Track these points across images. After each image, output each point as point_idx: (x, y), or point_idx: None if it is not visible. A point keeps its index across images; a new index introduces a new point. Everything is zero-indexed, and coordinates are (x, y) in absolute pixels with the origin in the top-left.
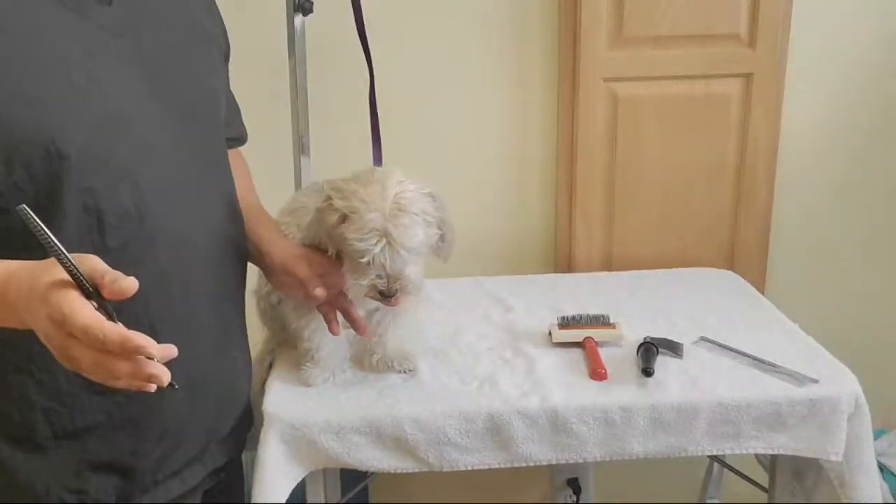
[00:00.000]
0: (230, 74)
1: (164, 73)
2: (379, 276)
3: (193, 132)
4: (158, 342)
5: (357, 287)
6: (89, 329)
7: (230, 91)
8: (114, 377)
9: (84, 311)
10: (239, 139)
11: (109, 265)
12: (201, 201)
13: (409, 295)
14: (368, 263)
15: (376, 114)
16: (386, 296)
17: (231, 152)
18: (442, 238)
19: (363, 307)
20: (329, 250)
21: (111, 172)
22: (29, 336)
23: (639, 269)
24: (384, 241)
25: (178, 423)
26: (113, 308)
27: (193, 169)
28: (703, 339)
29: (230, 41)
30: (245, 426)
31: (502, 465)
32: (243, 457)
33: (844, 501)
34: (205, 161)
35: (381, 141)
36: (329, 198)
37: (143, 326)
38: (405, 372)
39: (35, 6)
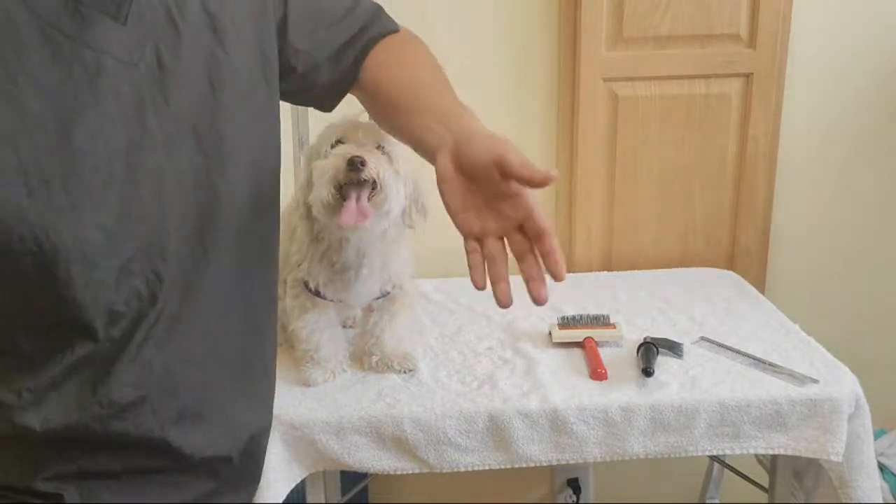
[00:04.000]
0: None
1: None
2: (349, 150)
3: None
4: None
5: (325, 163)
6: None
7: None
8: None
9: None
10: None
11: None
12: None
13: (383, 189)
14: (340, 142)
15: None
16: (354, 166)
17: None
18: (418, 192)
19: (357, 305)
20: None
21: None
22: None
23: (639, 269)
24: (361, 129)
25: None
26: None
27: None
28: (703, 339)
29: None
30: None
31: (502, 466)
32: None
33: (844, 501)
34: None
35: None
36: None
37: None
38: (405, 372)
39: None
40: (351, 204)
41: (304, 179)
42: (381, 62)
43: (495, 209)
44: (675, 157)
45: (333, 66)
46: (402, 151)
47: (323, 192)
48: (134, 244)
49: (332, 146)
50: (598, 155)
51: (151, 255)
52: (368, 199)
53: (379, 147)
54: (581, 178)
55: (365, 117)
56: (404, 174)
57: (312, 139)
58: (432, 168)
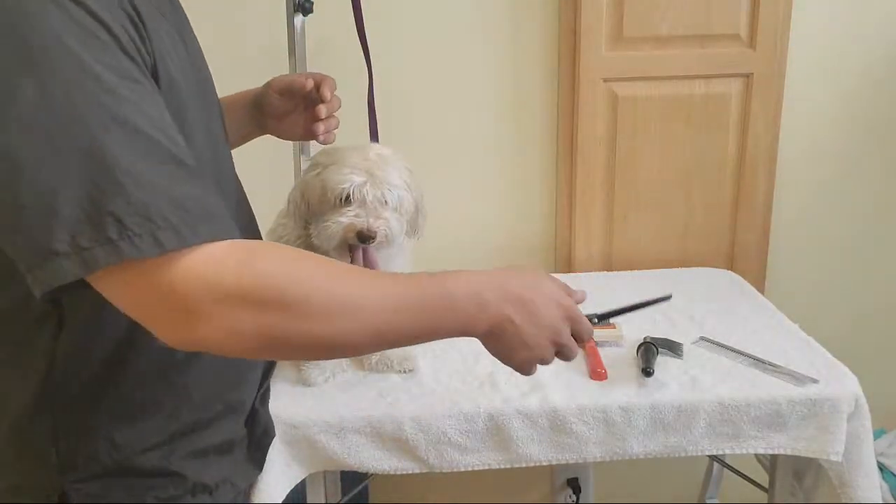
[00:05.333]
0: (231, 76)
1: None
2: (357, 216)
3: None
4: None
5: (333, 226)
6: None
7: None
8: (546, 362)
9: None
10: None
11: None
12: None
13: (387, 246)
14: (348, 199)
15: (375, 114)
16: (364, 238)
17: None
18: (417, 213)
19: None
20: (304, 230)
21: None
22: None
23: (639, 269)
24: (365, 175)
25: None
26: None
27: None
28: (703, 339)
29: (230, 42)
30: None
31: (502, 466)
32: None
33: (844, 501)
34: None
35: (381, 141)
36: (313, 158)
37: None
38: (405, 372)
39: None
40: (358, 256)
41: (299, 193)
42: None
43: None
44: (675, 157)
45: None
46: (405, 191)
47: (330, 248)
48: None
49: (340, 201)
50: (598, 155)
51: None
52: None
53: (384, 201)
54: (581, 178)
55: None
56: (413, 198)
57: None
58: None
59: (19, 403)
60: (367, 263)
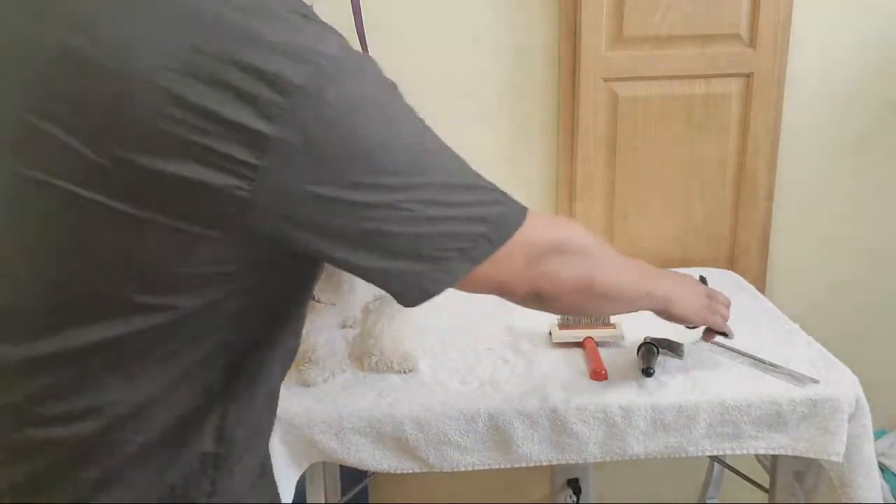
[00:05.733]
0: None
1: None
2: None
3: None
4: None
5: None
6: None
7: None
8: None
9: None
10: None
11: None
12: None
13: None
14: None
15: None
16: None
17: None
18: None
19: (355, 308)
20: None
21: None
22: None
23: None
24: None
25: None
26: None
27: None
28: (703, 339)
29: None
30: None
31: (502, 466)
32: None
33: (844, 501)
34: None
35: None
36: None
37: None
38: (405, 372)
39: None
40: None
41: None
42: None
43: None
44: (675, 156)
45: None
46: None
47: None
48: None
49: None
50: (598, 155)
51: None
52: None
53: None
54: (581, 178)
55: None
56: None
57: None
58: None
59: (190, 408)
60: None
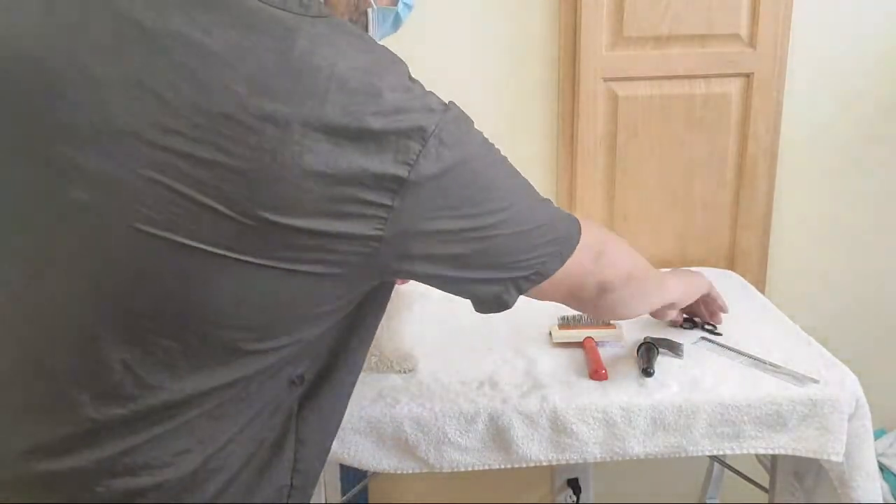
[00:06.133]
0: None
1: None
2: None
3: None
4: None
5: None
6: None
7: None
8: None
9: None
10: None
11: None
12: None
13: None
14: None
15: None
16: None
17: None
18: None
19: None
20: None
21: None
22: None
23: None
24: None
25: None
26: None
27: None
28: (703, 339)
29: None
30: None
31: (502, 466)
32: None
33: (844, 501)
34: None
35: None
36: None
37: None
38: (405, 372)
39: None
40: None
41: None
42: None
43: None
44: (675, 157)
45: None
46: None
47: None
48: None
49: None
50: (598, 155)
51: None
52: None
53: None
54: (581, 178)
55: None
56: None
57: None
58: None
59: (269, 443)
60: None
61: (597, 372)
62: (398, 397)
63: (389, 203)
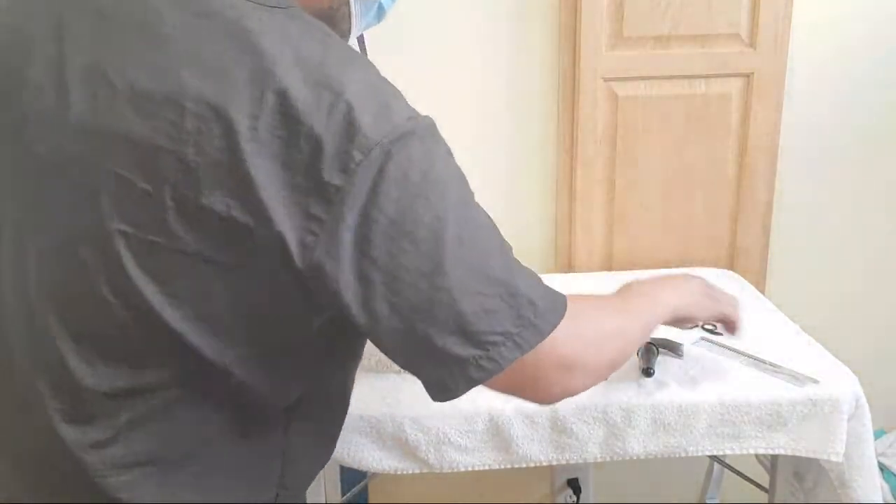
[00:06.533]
0: None
1: None
2: None
3: None
4: None
5: None
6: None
7: None
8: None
9: None
10: None
11: None
12: None
13: None
14: None
15: None
16: None
17: None
18: None
19: None
20: None
21: None
22: None
23: (639, 269)
24: None
25: None
26: None
27: None
28: (703, 339)
29: None
30: None
31: (502, 466)
32: None
33: (844, 501)
34: None
35: None
36: None
37: None
38: (405, 372)
39: None
40: None
41: None
42: None
43: None
44: (675, 156)
45: None
46: None
47: None
48: None
49: None
50: (598, 155)
51: None
52: None
53: None
54: (581, 178)
55: None
56: None
57: None
58: None
59: (256, 471)
60: None
61: None
62: (398, 397)
63: (323, 213)
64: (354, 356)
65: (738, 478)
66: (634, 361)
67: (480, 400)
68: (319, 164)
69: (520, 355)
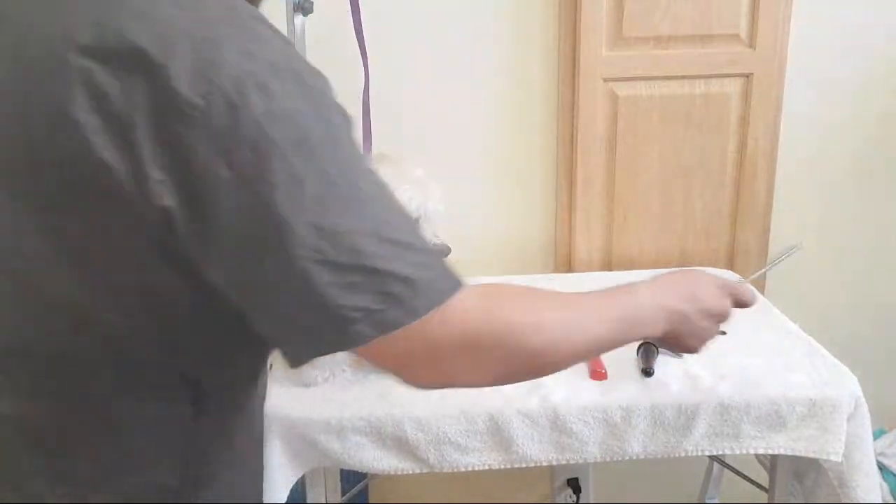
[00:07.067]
0: None
1: None
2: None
3: None
4: None
5: None
6: (739, 287)
7: None
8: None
9: None
10: None
11: None
12: None
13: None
14: None
15: (369, 115)
16: None
17: None
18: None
19: None
20: None
21: None
22: None
23: (639, 269)
24: (423, 191)
25: None
26: None
27: None
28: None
29: None
30: None
31: (502, 466)
32: None
33: (844, 501)
34: None
35: (380, 141)
36: None
37: None
38: None
39: None
40: None
41: None
42: None
43: None
44: (675, 156)
45: None
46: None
47: None
48: None
49: None
50: (598, 155)
51: None
52: None
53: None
54: (581, 178)
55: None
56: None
57: None
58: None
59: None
60: None
61: (597, 372)
62: (398, 397)
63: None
64: (253, 360)
65: (738, 478)
66: (634, 361)
67: (480, 400)
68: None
69: (379, 334)
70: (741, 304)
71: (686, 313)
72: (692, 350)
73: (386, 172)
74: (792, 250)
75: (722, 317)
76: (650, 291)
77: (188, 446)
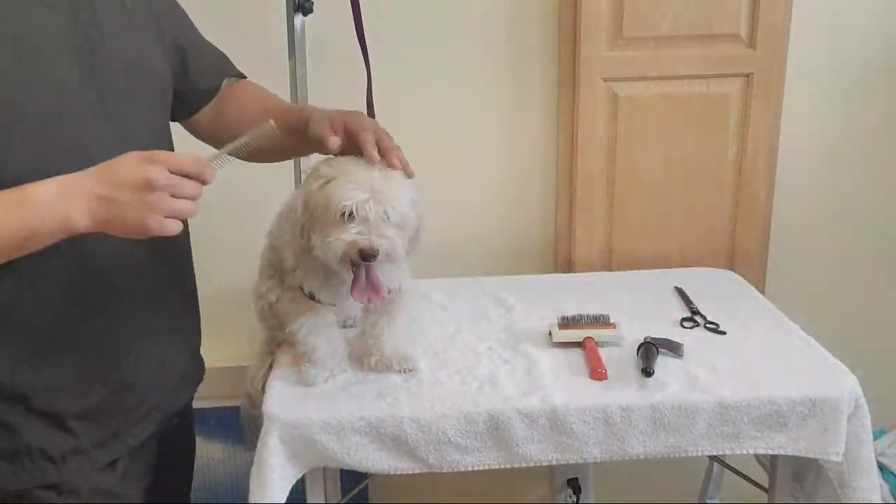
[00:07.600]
0: None
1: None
2: (360, 233)
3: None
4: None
5: (336, 243)
6: (173, 154)
7: (202, 40)
8: (170, 207)
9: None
10: (238, 76)
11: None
12: None
13: (389, 262)
14: (351, 215)
15: (373, 115)
16: (366, 256)
17: (239, 84)
18: (418, 230)
19: (355, 308)
20: (302, 238)
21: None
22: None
23: (639, 269)
24: (369, 192)
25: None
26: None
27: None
28: (702, 338)
29: (229, 42)
30: (197, 373)
31: (502, 466)
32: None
33: (844, 501)
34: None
35: None
36: (316, 168)
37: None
38: (405, 372)
39: None
40: (361, 272)
41: (303, 205)
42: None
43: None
44: (675, 157)
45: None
46: (407, 206)
47: (333, 263)
48: None
49: (344, 217)
50: (598, 155)
51: None
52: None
53: (387, 218)
54: (581, 178)
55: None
56: (416, 215)
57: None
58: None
59: None
60: (370, 279)
61: (597, 372)
62: (398, 397)
63: None
64: None
65: (738, 478)
66: (635, 361)
67: (480, 400)
68: None
69: None
70: (186, 172)
71: (101, 194)
72: (148, 230)
73: (384, 177)
74: (267, 131)
75: (148, 183)
76: (47, 189)
77: None
